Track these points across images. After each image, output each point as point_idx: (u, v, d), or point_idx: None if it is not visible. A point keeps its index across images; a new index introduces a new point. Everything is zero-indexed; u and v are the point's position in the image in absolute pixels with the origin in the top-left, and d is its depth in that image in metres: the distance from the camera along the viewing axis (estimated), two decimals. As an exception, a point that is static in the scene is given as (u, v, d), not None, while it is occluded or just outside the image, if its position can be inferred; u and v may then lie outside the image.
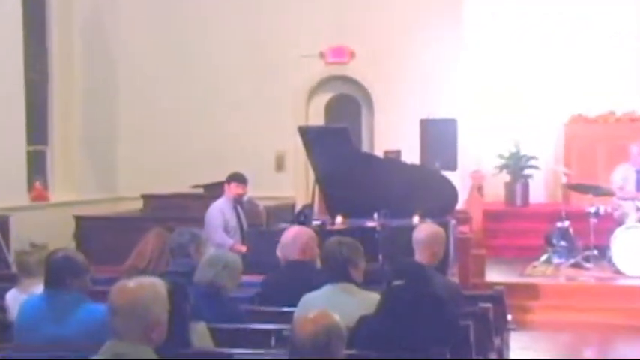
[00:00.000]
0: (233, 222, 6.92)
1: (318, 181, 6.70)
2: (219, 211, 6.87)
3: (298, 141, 7.06)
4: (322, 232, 5.60)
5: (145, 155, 10.96)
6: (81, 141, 10.46)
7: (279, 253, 4.58)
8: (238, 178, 6.97)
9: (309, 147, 6.64)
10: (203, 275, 3.97)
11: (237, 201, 6.96)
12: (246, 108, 10.77)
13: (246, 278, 4.99)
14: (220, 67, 10.83)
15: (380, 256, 5.77)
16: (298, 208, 8.05)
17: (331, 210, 6.66)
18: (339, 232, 6.01)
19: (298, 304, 3.84)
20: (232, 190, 6.90)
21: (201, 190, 9.55)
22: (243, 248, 6.60)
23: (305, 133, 6.74)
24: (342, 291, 3.76)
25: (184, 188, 9.79)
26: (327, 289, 3.81)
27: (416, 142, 8.84)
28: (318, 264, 4.46)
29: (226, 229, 6.85)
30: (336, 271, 3.82)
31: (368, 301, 3.60)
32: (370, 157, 7.27)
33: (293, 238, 4.48)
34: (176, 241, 4.52)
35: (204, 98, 10.86)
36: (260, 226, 7.51)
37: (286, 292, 4.13)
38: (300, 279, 4.18)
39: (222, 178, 7.25)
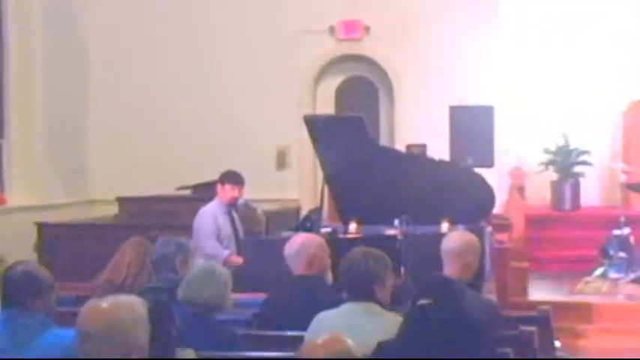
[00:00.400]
0: (227, 229, 6.95)
1: (327, 180, 6.73)
2: (211, 216, 6.90)
3: (304, 133, 7.08)
4: (333, 241, 5.64)
5: (121, 151, 10.99)
6: (44, 134, 10.43)
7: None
8: (234, 179, 6.98)
9: (316, 140, 6.67)
10: (192, 293, 3.98)
11: (232, 205, 7.00)
12: (241, 95, 10.79)
13: (242, 297, 5.03)
14: (210, 47, 10.85)
15: (402, 271, 5.77)
16: (304, 212, 8.16)
17: (343, 215, 6.68)
18: (353, 240, 6.04)
19: (311, 324, 3.87)
20: (226, 192, 6.94)
21: (188, 192, 9.59)
22: (240, 260, 6.65)
23: (312, 123, 6.75)
24: (365, 312, 3.79)
25: (168, 190, 9.83)
26: (346, 309, 3.84)
27: (444, 133, 8.87)
28: (329, 278, 4.48)
29: (219, 238, 6.88)
30: (359, 288, 3.84)
31: (394, 324, 3.61)
32: (390, 152, 7.31)
33: (298, 249, 4.50)
34: (159, 253, 4.56)
35: (190, 85, 10.89)
36: (258, 234, 7.57)
37: (290, 314, 4.14)
38: (307, 297, 4.21)
39: (214, 177, 7.28)
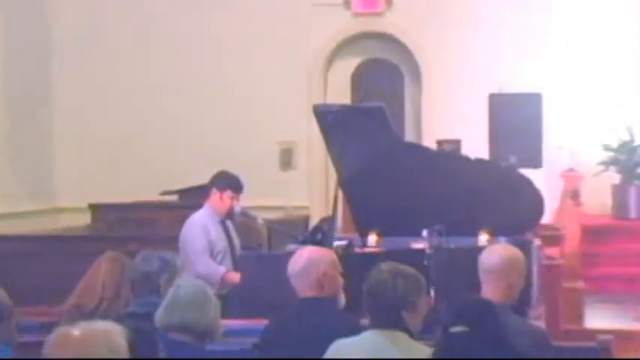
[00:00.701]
0: (221, 243, 6.95)
1: (341, 183, 6.72)
2: (201, 228, 6.89)
3: (314, 127, 7.12)
4: (347, 257, 5.65)
5: (93, 151, 11.07)
6: (3, 135, 10.54)
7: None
8: (236, 185, 6.96)
9: (329, 135, 6.67)
10: (180, 317, 3.94)
11: (228, 215, 7.01)
12: (237, 81, 10.83)
13: (237, 323, 5.08)
14: (199, 27, 10.87)
15: (432, 292, 5.70)
16: (314, 222, 8.12)
17: (361, 225, 6.71)
18: (373, 256, 6.05)
19: (327, 353, 3.88)
20: (225, 200, 6.96)
21: (174, 198, 9.65)
22: (237, 277, 6.64)
23: (323, 115, 6.72)
24: (391, 342, 3.79)
25: (150, 195, 9.89)
26: (369, 338, 3.84)
27: (482, 127, 8.94)
28: (342, 301, 4.51)
29: (211, 254, 6.90)
30: (385, 313, 3.84)
31: (425, 356, 3.63)
32: (417, 150, 7.31)
33: (305, 266, 4.47)
34: (140, 271, 4.57)
35: (176, 72, 10.97)
36: (258, 249, 7.56)
37: (297, 343, 4.15)
38: (316, 324, 4.20)
39: (203, 180, 7.32)
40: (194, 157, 10.41)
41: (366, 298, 3.92)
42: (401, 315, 3.79)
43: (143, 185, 10.26)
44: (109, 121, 11.07)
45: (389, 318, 3.80)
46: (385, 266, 3.93)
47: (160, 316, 3.95)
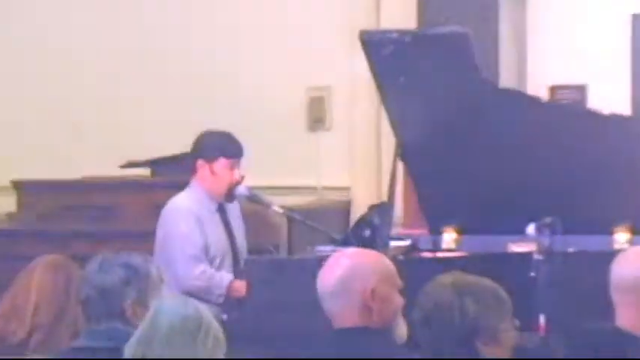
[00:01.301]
0: (218, 242, 7.07)
1: (403, 153, 6.81)
2: (190, 217, 7.00)
3: (360, 65, 7.16)
4: (411, 266, 5.75)
5: (20, 104, 11.15)
6: None
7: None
8: (229, 147, 7.07)
9: (383, 78, 6.72)
10: (157, 357, 3.93)
11: (229, 196, 7.09)
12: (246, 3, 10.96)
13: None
14: None
15: (541, 318, 5.83)
16: (359, 211, 8.06)
17: (432, 216, 6.80)
18: (449, 262, 6.18)
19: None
20: (220, 174, 7.04)
21: (145, 172, 9.68)
22: (242, 287, 6.73)
23: (375, 46, 6.73)
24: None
25: (107, 169, 9.91)
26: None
27: (620, 66, 8.97)
28: (402, 332, 4.49)
29: (206, 256, 7.02)
30: (450, 348, 3.91)
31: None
32: (517, 100, 7.17)
33: (346, 279, 4.47)
34: (95, 285, 4.55)
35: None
36: (273, 251, 7.64)
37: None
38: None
39: (184, 148, 7.38)
40: (173, 115, 10.41)
41: (421, 328, 4.03)
42: (475, 348, 3.88)
43: (95, 156, 10.28)
44: (41, 64, 11.16)
45: (457, 355, 3.88)
46: (447, 278, 4.04)
47: (129, 354, 3.96)
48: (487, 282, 4.01)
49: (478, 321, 3.89)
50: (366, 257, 4.60)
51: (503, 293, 3.97)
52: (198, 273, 6.80)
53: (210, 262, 6.91)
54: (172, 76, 10.86)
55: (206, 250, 6.92)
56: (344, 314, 4.41)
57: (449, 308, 3.91)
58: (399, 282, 4.50)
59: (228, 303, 6.69)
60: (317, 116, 10.75)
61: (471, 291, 3.94)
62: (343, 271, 4.45)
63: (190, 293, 6.33)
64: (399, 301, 4.44)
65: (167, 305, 4.05)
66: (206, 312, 4.07)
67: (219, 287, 6.74)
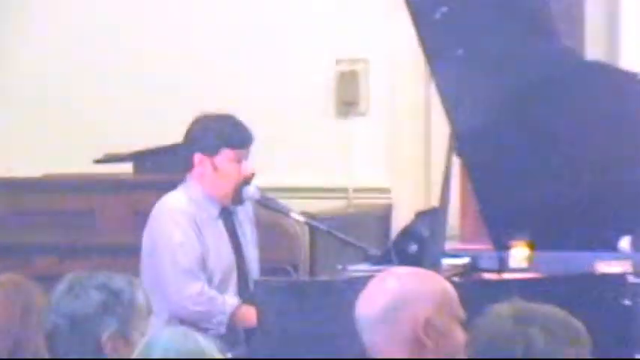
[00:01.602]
0: (220, 252, 7.19)
1: (459, 146, 6.97)
2: (186, 219, 7.14)
3: (403, 33, 7.26)
4: (472, 289, 6.04)
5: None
6: None
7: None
8: (233, 135, 7.21)
9: (434, 48, 6.86)
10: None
11: (234, 197, 7.12)
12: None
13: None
14: None
15: (638, 357, 6.07)
16: (403, 219, 8.12)
17: (496, 227, 7.02)
18: (519, 286, 6.29)
19: None
20: (222, 167, 7.19)
21: (127, 168, 9.81)
22: (251, 315, 6.80)
23: (424, 7, 6.89)
24: None
25: (80, 163, 10.09)
26: None
27: None
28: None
29: (204, 271, 7.08)
30: None
31: None
32: (610, 78, 7.28)
33: (391, 307, 4.64)
34: (64, 311, 4.65)
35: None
36: (291, 270, 7.83)
37: None
38: None
39: (176, 137, 7.59)
40: (167, 97, 10.57)
41: None
42: None
43: (67, 149, 10.47)
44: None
45: None
46: (505, 308, 4.17)
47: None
48: (557, 311, 4.11)
49: (546, 355, 4.02)
50: (416, 279, 4.83)
51: (578, 324, 4.07)
52: (195, 293, 7.05)
53: (209, 280, 7.15)
54: (166, 48, 11.05)
55: (203, 264, 7.11)
56: (391, 349, 4.67)
57: (509, 341, 4.08)
58: (462, 312, 4.68)
59: (233, 334, 6.77)
60: (348, 97, 10.73)
61: (538, 321, 4.09)
62: (388, 297, 4.71)
63: (182, 319, 6.43)
64: (460, 336, 4.61)
65: (161, 338, 4.19)
66: (209, 347, 4.20)
67: (220, 313, 6.86)
